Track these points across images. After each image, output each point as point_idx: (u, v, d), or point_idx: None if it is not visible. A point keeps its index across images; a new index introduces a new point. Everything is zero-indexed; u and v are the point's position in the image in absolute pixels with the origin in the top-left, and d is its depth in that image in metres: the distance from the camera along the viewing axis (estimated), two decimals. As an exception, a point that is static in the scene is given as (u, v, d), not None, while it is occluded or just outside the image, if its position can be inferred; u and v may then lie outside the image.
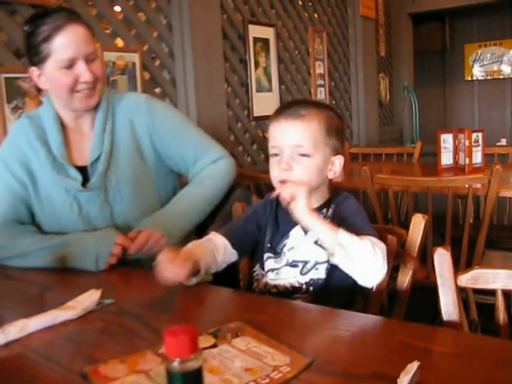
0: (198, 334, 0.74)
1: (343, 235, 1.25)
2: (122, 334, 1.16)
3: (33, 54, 1.66)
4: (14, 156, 1.77)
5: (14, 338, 1.12)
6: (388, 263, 1.27)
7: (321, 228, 1.28)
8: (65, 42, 1.63)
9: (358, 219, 1.37)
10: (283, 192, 1.31)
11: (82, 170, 1.75)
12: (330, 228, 1.27)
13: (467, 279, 1.21)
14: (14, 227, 1.73)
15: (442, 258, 1.19)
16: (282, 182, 1.38)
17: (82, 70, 1.66)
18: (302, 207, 1.27)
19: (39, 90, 1.81)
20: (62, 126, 1.78)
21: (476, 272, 1.22)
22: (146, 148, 1.82)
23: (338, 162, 1.43)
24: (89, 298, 1.28)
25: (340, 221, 1.36)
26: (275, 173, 1.40)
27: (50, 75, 1.68)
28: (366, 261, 1.24)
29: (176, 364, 0.72)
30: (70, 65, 1.65)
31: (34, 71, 1.70)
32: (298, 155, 1.37)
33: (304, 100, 1.61)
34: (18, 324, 1.14)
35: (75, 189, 1.72)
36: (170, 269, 1.26)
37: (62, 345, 1.13)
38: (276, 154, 1.40)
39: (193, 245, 1.43)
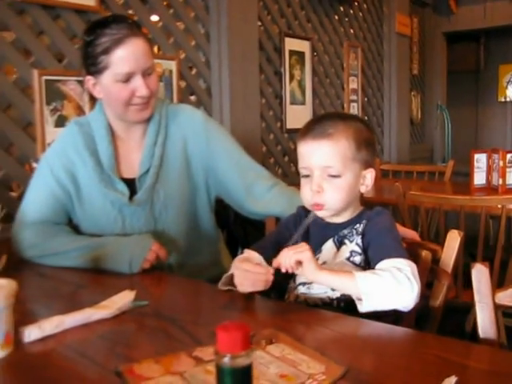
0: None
1: (361, 279, 1.21)
2: (156, 335, 1.17)
3: (90, 63, 1.65)
4: (60, 162, 1.75)
5: (49, 334, 1.14)
6: (421, 279, 1.24)
7: (336, 280, 1.25)
8: (124, 56, 1.61)
9: (388, 239, 1.33)
10: (286, 262, 1.24)
11: (129, 182, 1.74)
12: (345, 276, 1.24)
13: (506, 296, 1.19)
14: (50, 227, 1.73)
15: (479, 274, 1.17)
16: (315, 205, 1.36)
17: (139, 85, 1.64)
18: (311, 271, 1.23)
19: (92, 98, 1.77)
20: (112, 136, 1.77)
21: (515, 290, 1.20)
22: (194, 166, 1.81)
23: (370, 175, 1.40)
24: (123, 299, 1.29)
25: (369, 239, 1.35)
26: (307, 196, 1.38)
27: (105, 86, 1.66)
28: (391, 293, 1.21)
29: (227, 360, 0.73)
30: (127, 79, 1.63)
31: (89, 80, 1.69)
32: (328, 176, 1.35)
33: (331, 115, 1.55)
34: (54, 320, 1.16)
35: (121, 202, 1.71)
36: (253, 277, 1.29)
37: (96, 343, 1.14)
38: (307, 176, 1.38)
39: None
